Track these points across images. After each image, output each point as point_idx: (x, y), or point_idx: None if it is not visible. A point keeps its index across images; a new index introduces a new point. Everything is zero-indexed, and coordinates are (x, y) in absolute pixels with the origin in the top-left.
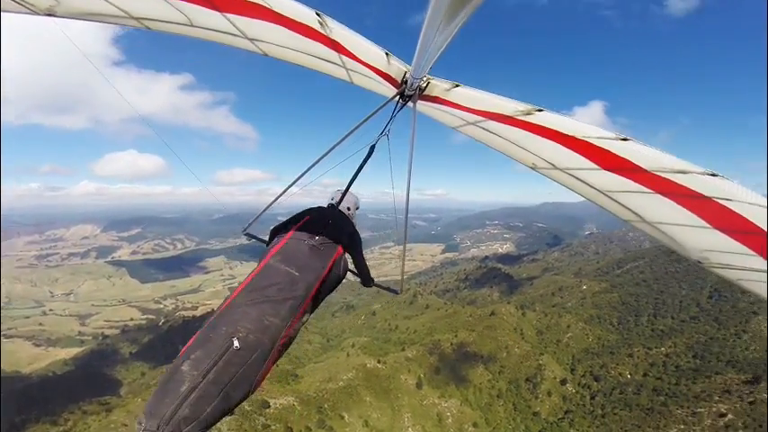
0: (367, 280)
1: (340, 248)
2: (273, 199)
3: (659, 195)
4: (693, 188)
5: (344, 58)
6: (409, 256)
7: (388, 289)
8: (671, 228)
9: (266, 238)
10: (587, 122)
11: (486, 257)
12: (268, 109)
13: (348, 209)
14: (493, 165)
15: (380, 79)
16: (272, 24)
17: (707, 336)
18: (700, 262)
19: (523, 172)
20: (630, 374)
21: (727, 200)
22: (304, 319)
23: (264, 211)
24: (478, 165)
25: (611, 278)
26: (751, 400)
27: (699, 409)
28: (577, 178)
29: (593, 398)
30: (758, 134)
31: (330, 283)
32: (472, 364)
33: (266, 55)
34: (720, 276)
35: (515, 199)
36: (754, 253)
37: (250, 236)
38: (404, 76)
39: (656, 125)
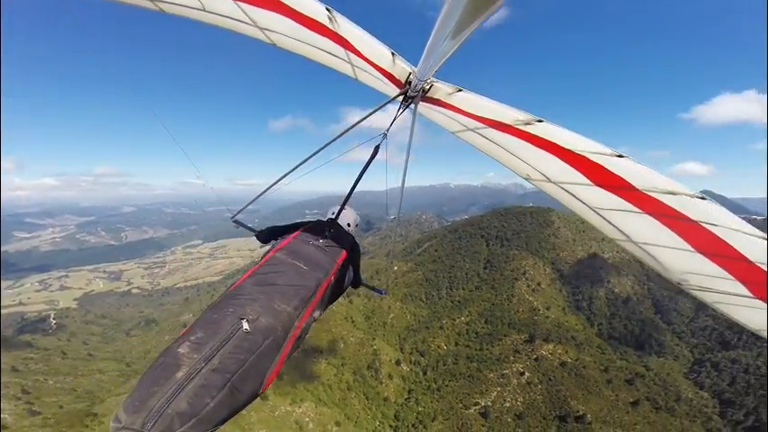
0: (358, 283)
1: (344, 253)
2: (266, 188)
3: (647, 216)
4: (681, 210)
5: (350, 54)
6: (224, 254)
7: (373, 289)
8: (656, 249)
9: (252, 226)
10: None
11: None
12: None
13: (348, 225)
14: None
15: (384, 78)
16: (282, 16)
17: (490, 302)
18: (679, 283)
19: (336, 162)
20: (446, 345)
21: (713, 224)
22: (315, 314)
23: (256, 199)
24: (294, 153)
25: (414, 258)
26: (535, 356)
27: (504, 371)
28: (570, 193)
29: (425, 373)
30: None
31: (338, 285)
32: (314, 361)
33: (275, 45)
34: (698, 298)
35: (333, 188)
36: (733, 278)
37: (238, 223)
38: (408, 77)
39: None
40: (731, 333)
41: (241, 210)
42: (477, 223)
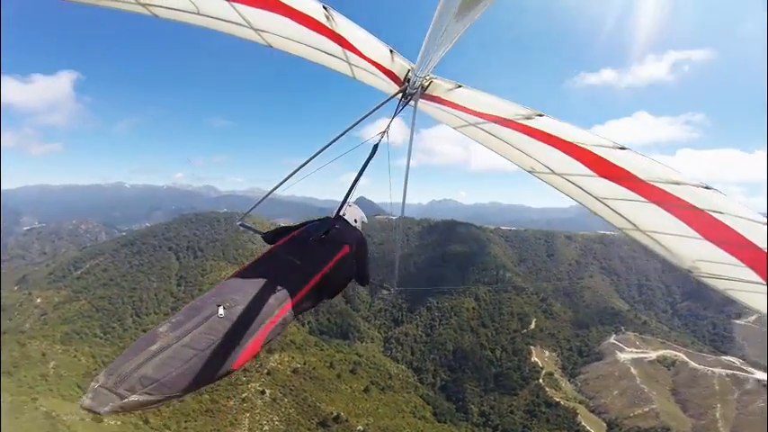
0: (365, 281)
1: (347, 248)
2: (269, 191)
3: (654, 205)
4: (687, 199)
5: (348, 52)
6: None
7: (381, 286)
8: (664, 237)
9: (259, 229)
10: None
11: None
12: None
13: (355, 221)
14: None
15: (383, 76)
16: (278, 15)
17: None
18: (690, 271)
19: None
20: None
21: (719, 213)
22: (303, 305)
23: (260, 203)
24: None
25: (71, 282)
26: (267, 370)
27: (243, 395)
28: (575, 184)
29: (146, 422)
30: (218, 135)
31: (335, 279)
32: None
33: (270, 46)
34: (708, 286)
35: None
36: (744, 265)
37: (245, 227)
38: (407, 74)
39: (123, 111)
40: (397, 311)
41: (248, 212)
42: (162, 233)
